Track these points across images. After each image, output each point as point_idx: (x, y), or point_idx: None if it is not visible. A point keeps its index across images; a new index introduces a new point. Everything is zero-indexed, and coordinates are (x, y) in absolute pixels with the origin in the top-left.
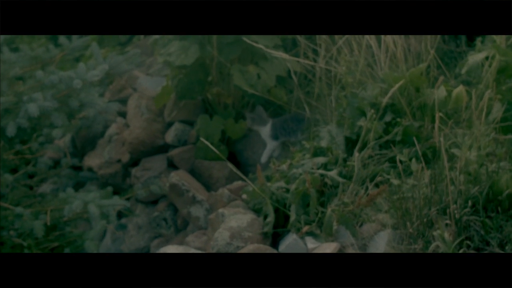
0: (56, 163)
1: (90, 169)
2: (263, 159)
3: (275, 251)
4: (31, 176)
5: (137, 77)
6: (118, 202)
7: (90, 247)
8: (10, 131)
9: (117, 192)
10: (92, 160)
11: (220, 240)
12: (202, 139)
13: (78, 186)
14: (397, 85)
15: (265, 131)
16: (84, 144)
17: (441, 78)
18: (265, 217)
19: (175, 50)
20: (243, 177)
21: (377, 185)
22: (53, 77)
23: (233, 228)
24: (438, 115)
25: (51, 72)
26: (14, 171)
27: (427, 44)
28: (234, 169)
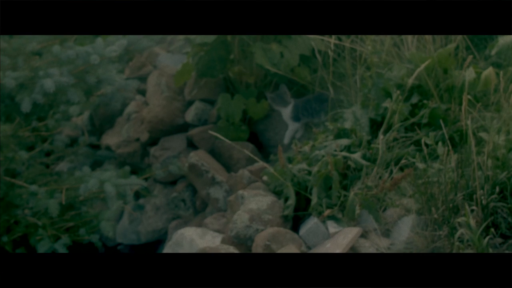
0: (74, 141)
1: (108, 148)
2: (286, 140)
3: (295, 235)
4: (48, 154)
5: (158, 54)
6: (135, 182)
7: (106, 227)
8: (25, 106)
9: (135, 171)
10: (110, 139)
11: (239, 222)
12: (211, 132)
13: (96, 165)
14: (423, 65)
15: (286, 112)
16: (102, 122)
17: (469, 57)
18: (286, 199)
19: None
20: (259, 160)
21: (401, 169)
22: (70, 52)
23: (252, 211)
24: (466, 97)
25: (69, 47)
26: (31, 149)
27: None
28: (251, 155)
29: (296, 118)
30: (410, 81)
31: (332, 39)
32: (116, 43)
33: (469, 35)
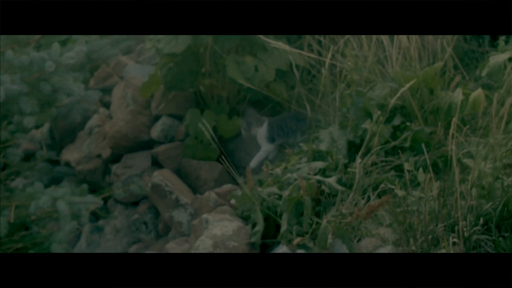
0: (32, 156)
1: (67, 164)
2: (253, 163)
3: None
4: (4, 168)
5: (126, 65)
6: (91, 200)
7: (58, 250)
8: None
9: (95, 190)
10: (71, 154)
11: (202, 249)
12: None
13: (54, 182)
14: (407, 85)
15: (261, 132)
16: (62, 136)
17: (457, 77)
18: (254, 225)
19: (165, 36)
20: (237, 178)
21: (379, 196)
22: (23, 58)
23: (216, 237)
24: (455, 121)
25: (24, 53)
26: None
27: (444, 42)
28: (227, 169)
29: (271, 139)
30: (392, 101)
31: (307, 52)
32: (75, 50)
33: (468, 35)
